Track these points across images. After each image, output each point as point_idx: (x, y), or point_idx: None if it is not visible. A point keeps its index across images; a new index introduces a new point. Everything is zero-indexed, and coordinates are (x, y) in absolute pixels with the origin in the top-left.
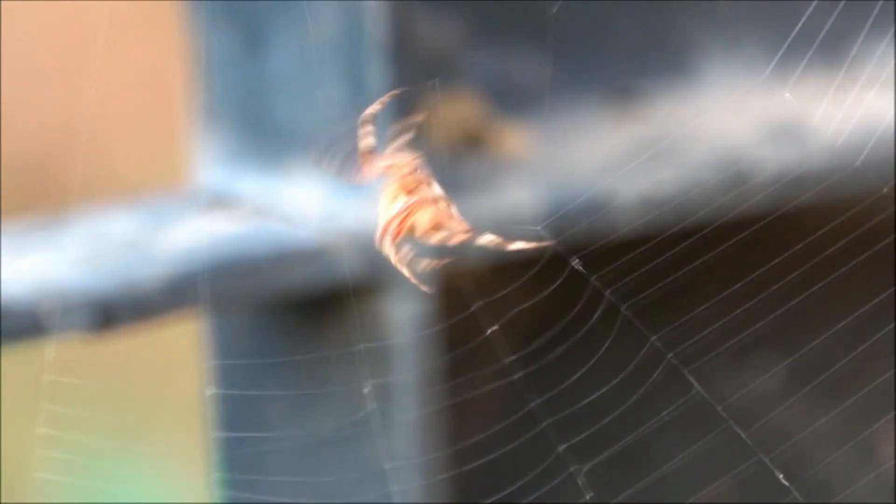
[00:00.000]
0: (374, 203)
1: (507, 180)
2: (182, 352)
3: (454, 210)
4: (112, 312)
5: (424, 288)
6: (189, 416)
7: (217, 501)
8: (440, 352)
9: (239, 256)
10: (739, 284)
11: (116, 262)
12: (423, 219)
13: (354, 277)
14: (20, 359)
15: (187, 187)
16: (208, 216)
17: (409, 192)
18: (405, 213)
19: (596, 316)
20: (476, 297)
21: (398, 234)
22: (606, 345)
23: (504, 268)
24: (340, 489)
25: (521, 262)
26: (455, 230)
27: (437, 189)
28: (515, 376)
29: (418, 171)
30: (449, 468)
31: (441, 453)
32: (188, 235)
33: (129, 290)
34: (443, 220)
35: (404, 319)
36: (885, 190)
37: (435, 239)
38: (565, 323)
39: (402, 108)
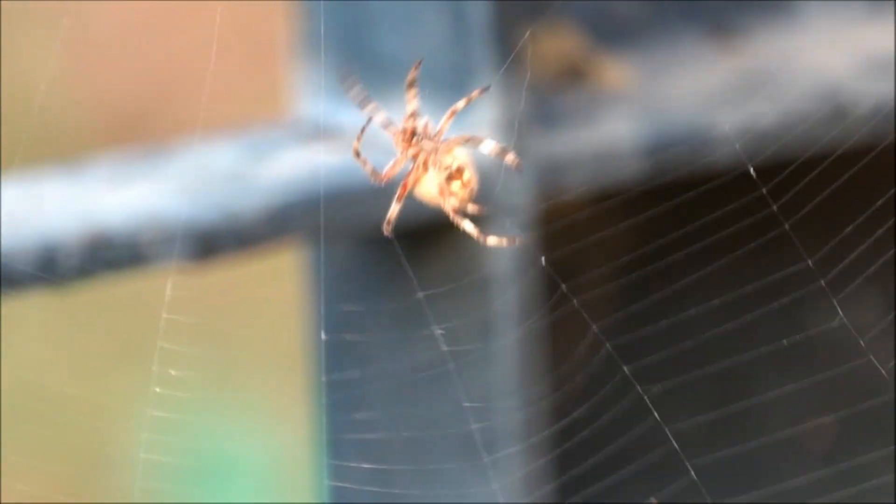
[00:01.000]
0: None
1: (607, 113)
2: (284, 286)
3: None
4: (213, 242)
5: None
6: (292, 350)
7: (319, 432)
8: (539, 282)
9: (340, 188)
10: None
11: (218, 192)
12: (421, 188)
13: None
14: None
15: (289, 119)
16: (310, 148)
17: (413, 156)
18: (406, 180)
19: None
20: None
21: (401, 195)
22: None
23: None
24: (440, 422)
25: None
26: (443, 205)
27: (448, 159)
28: (609, 344)
29: (422, 138)
30: (544, 398)
31: (537, 387)
32: (290, 167)
33: (231, 220)
34: (435, 195)
35: (504, 251)
36: None
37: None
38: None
39: (505, 45)
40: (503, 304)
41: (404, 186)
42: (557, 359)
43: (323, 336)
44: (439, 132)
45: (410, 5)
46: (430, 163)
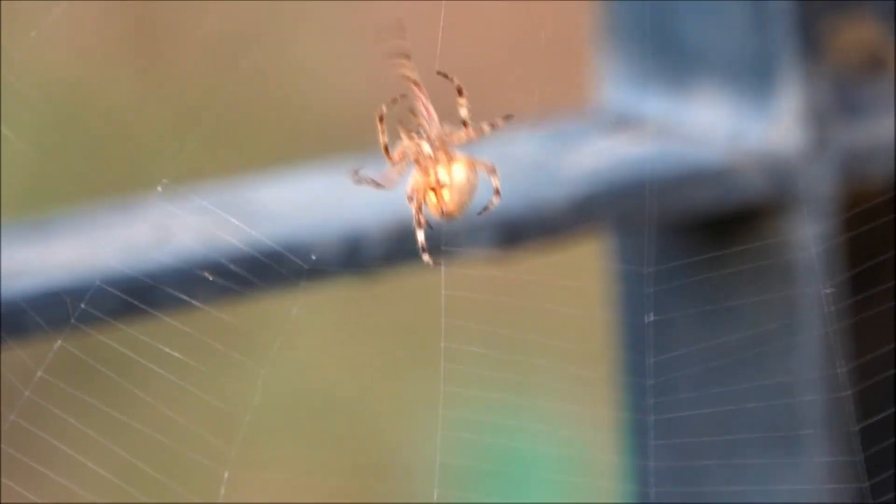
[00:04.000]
0: (776, 124)
1: None
2: (586, 272)
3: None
4: (518, 231)
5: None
6: (590, 334)
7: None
8: (843, 269)
9: (643, 177)
10: None
11: (522, 181)
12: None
13: (760, 197)
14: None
15: (592, 108)
16: (613, 137)
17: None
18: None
19: None
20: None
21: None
22: None
23: None
24: (751, 410)
25: None
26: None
27: (445, 173)
28: None
29: (426, 154)
30: (851, 384)
31: (845, 369)
32: (593, 156)
33: (534, 209)
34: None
35: (808, 238)
36: None
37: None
38: None
39: (806, 33)
40: (809, 291)
41: (411, 192)
42: (862, 350)
43: (650, 317)
44: (442, 135)
45: None
46: (427, 166)
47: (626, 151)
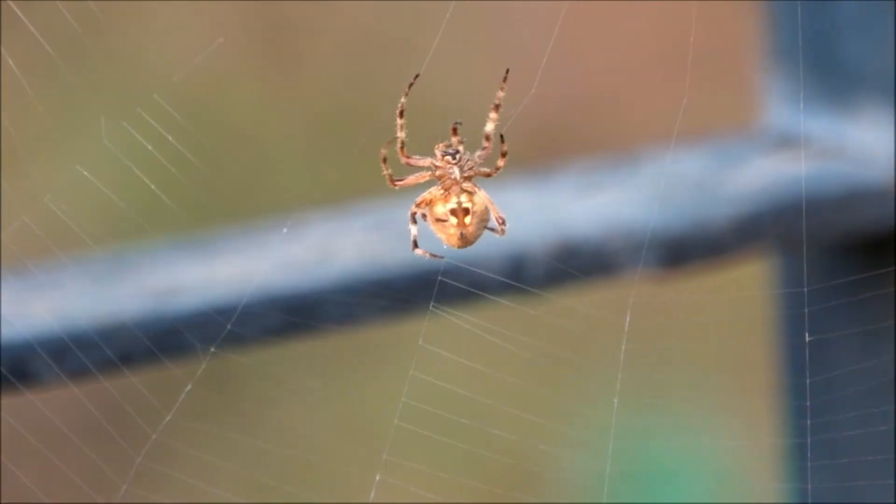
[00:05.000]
0: None
1: None
2: (748, 292)
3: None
4: (682, 252)
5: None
6: (751, 354)
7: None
8: None
9: (806, 197)
10: None
11: (687, 201)
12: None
13: None
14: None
15: (756, 128)
16: (776, 157)
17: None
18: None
19: None
20: None
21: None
22: None
23: None
24: None
25: None
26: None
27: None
28: None
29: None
30: None
31: None
32: (756, 176)
33: (698, 229)
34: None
35: None
36: None
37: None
38: None
39: None
40: None
41: (423, 202)
42: None
43: (809, 337)
44: (473, 167)
45: (875, 10)
46: (451, 189)
47: (788, 170)
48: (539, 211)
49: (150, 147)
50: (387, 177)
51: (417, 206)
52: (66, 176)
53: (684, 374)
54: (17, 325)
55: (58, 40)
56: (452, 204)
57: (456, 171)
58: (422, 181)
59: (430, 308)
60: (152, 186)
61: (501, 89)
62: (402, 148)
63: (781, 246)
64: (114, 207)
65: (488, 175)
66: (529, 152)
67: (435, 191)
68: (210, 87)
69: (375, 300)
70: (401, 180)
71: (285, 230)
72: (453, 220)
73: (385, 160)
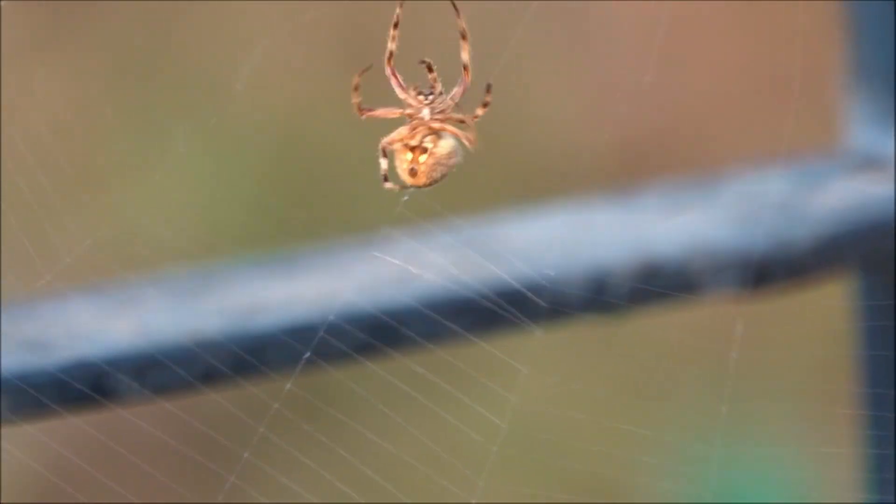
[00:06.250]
0: None
1: None
2: (826, 314)
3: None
4: (764, 272)
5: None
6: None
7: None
8: None
9: (889, 217)
10: None
11: (768, 222)
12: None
13: None
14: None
15: (839, 149)
16: (859, 178)
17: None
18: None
19: None
20: None
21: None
22: None
23: None
24: None
25: None
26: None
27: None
28: None
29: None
30: None
31: None
32: (839, 197)
33: (781, 250)
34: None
35: None
36: None
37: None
38: None
39: None
40: None
41: (390, 141)
42: None
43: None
44: (445, 109)
45: None
46: (418, 129)
47: (872, 191)
48: (623, 229)
49: (231, 164)
50: (355, 105)
51: (389, 143)
52: (148, 192)
53: (777, 396)
54: (98, 341)
55: (133, 56)
56: (415, 143)
57: (426, 112)
58: (391, 117)
59: (516, 325)
60: (234, 204)
61: (458, 17)
62: (389, 58)
63: (866, 266)
64: (197, 224)
65: (462, 122)
66: (618, 170)
67: (403, 129)
68: (298, 105)
69: (459, 319)
70: (370, 110)
71: (376, 254)
72: (409, 155)
73: (357, 88)
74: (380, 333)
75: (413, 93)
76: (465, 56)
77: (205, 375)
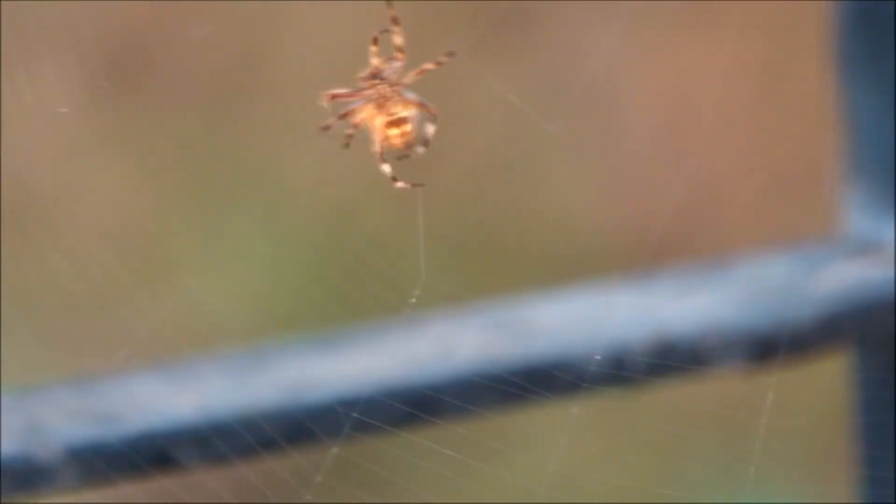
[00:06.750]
0: None
1: None
2: (829, 387)
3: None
4: (768, 348)
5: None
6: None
7: None
8: None
9: (884, 300)
10: None
11: (772, 302)
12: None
13: None
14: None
15: (839, 235)
16: (855, 262)
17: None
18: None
19: None
20: None
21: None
22: None
23: None
24: None
25: None
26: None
27: (399, 108)
28: None
29: (383, 81)
30: None
31: None
32: (837, 280)
33: (783, 328)
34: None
35: None
36: None
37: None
38: None
39: None
40: None
41: (354, 125)
42: None
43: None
44: (400, 81)
45: None
46: (382, 106)
47: (871, 274)
48: (640, 310)
49: (285, 252)
50: (324, 96)
51: (381, 147)
52: (210, 275)
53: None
54: (163, 415)
55: (193, 150)
56: (391, 118)
57: (386, 88)
58: (362, 112)
59: (544, 400)
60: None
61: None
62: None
63: (865, 343)
64: (252, 305)
65: (421, 73)
66: (638, 256)
67: (374, 113)
68: (350, 193)
69: (492, 394)
70: (339, 95)
71: (413, 334)
72: (394, 130)
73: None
74: (415, 406)
75: (365, 84)
76: (399, 40)
77: (257, 446)
